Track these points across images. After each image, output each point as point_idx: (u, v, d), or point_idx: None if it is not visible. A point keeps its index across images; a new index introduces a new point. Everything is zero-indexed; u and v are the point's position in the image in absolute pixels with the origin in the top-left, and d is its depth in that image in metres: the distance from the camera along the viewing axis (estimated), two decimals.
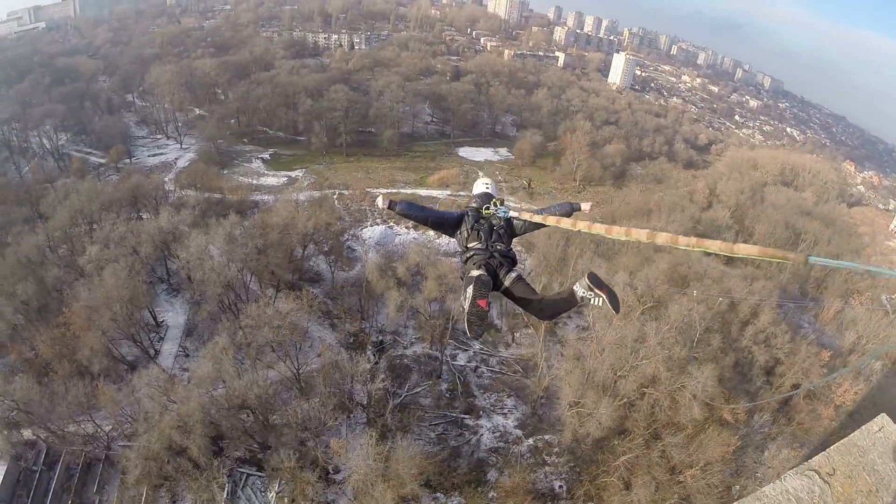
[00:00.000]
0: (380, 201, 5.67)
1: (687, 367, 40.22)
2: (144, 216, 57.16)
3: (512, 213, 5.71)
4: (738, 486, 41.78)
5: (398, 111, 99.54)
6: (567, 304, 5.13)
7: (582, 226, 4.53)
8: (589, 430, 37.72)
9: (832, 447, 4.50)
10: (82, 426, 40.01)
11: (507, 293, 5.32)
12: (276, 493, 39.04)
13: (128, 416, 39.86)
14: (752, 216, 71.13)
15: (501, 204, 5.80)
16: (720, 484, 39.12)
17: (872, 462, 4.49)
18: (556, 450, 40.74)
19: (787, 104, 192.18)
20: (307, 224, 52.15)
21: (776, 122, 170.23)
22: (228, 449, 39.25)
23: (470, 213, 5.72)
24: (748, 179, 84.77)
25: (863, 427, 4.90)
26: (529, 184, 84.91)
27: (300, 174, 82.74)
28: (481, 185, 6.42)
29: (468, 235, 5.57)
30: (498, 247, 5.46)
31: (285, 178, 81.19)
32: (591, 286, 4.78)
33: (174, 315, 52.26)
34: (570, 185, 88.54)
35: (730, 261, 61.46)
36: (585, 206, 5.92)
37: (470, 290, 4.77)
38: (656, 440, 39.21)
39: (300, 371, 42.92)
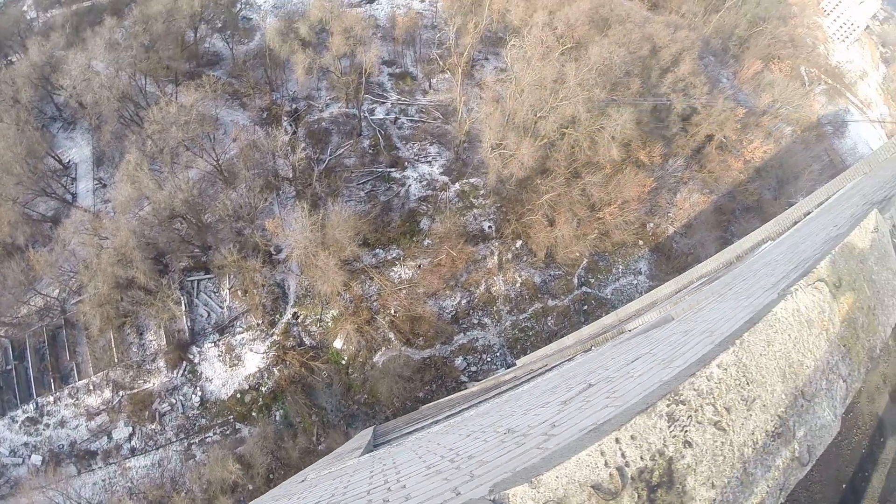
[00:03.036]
0: None
1: (606, 109, 42.02)
2: (14, 59, 51.34)
3: None
4: (652, 224, 46.91)
5: None
6: None
7: None
8: (512, 171, 40.13)
9: (837, 249, 3.97)
10: (32, 303, 40.29)
11: None
12: (229, 289, 41.10)
13: (69, 273, 39.64)
14: None
15: None
16: (636, 221, 44.40)
17: (871, 270, 4.06)
18: (482, 192, 43.66)
19: None
20: (192, 3, 48.03)
21: None
22: (173, 263, 40.33)
23: None
24: None
25: (859, 225, 4.53)
26: None
27: None
28: None
29: None
30: None
31: None
32: None
33: (78, 150, 49.33)
34: None
35: (654, 6, 62.38)
36: None
37: None
38: (577, 179, 42.52)
39: (220, 161, 42.54)
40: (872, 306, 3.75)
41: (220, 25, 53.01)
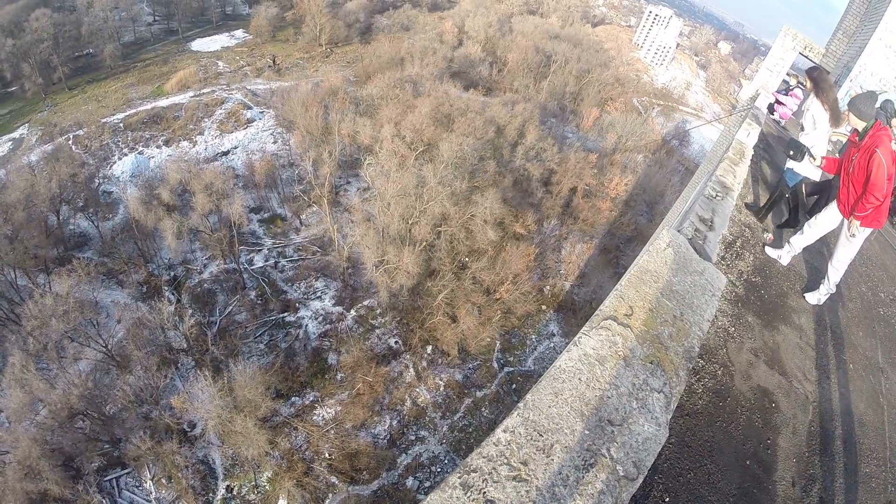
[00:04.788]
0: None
1: (471, 197, 45.27)
2: None
3: None
4: (548, 287, 49.72)
5: (114, 20, 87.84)
6: None
7: None
8: (401, 282, 41.67)
9: (623, 282, 4.17)
10: None
11: None
12: (152, 479, 38.91)
13: None
14: (503, 46, 77.63)
15: None
16: (532, 289, 46.87)
17: (669, 284, 4.28)
18: (378, 311, 44.43)
19: None
20: (50, 185, 47.73)
21: None
22: (84, 465, 37.44)
23: None
24: (494, 13, 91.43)
25: (649, 248, 4.66)
26: (274, 61, 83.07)
27: (24, 132, 72.14)
28: None
29: None
30: None
31: (9, 143, 70.02)
32: None
33: None
34: (318, 51, 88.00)
35: (488, 90, 68.78)
36: None
37: None
38: (464, 270, 44.87)
39: (109, 347, 41.11)
40: (680, 314, 3.97)
41: (81, 204, 52.31)
